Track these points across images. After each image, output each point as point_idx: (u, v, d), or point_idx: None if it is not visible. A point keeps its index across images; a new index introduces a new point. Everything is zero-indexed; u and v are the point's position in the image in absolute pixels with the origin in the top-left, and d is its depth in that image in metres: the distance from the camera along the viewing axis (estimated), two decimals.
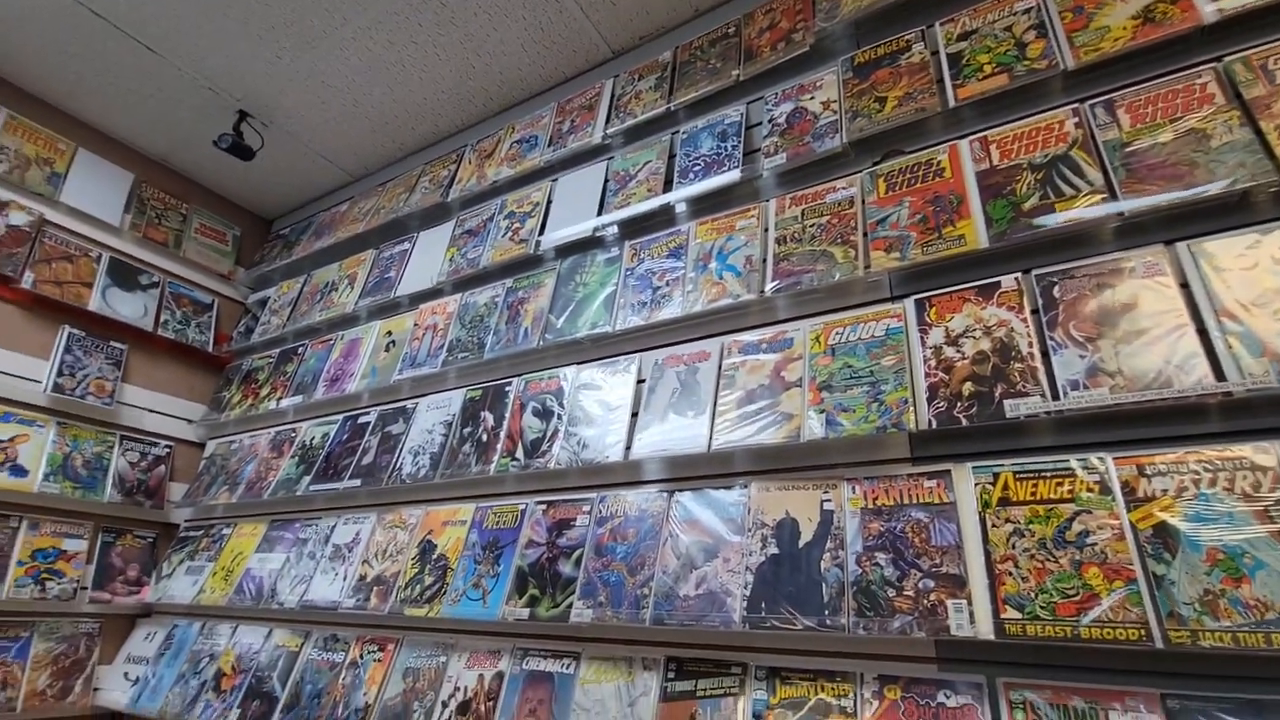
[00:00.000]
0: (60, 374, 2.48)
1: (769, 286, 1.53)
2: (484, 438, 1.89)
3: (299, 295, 2.85)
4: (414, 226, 2.58)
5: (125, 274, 2.75)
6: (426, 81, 2.42)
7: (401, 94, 2.48)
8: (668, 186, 1.87)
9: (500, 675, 1.58)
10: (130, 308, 2.73)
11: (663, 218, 1.87)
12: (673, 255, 1.77)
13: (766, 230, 1.62)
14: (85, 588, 2.44)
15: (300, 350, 2.69)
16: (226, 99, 2.58)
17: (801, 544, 1.29)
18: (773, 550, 1.31)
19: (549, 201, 2.16)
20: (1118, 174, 1.21)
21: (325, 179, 3.04)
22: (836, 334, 1.42)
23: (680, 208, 1.83)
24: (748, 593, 1.28)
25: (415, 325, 2.29)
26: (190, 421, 2.89)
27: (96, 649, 2.46)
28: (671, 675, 1.37)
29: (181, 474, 2.81)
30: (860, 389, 1.32)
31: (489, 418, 1.92)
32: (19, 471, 2.32)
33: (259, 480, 2.42)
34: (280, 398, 2.56)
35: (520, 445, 1.79)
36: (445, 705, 1.62)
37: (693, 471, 1.53)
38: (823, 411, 1.34)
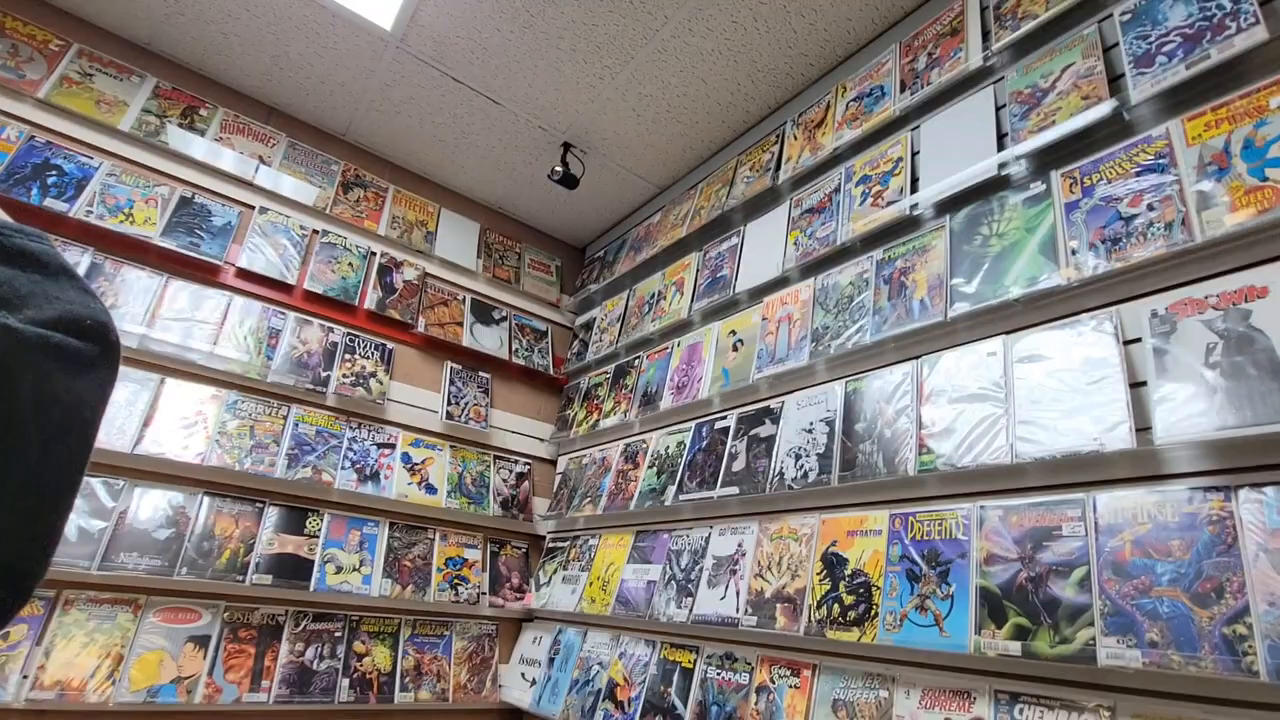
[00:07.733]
0: (449, 403, 2.84)
1: None
2: (887, 433, 1.60)
3: (625, 310, 2.91)
4: (739, 220, 2.45)
5: (483, 311, 3.09)
6: (741, 63, 2.28)
7: (715, 84, 2.38)
8: (1115, 86, 1.41)
9: None
10: (490, 340, 3.05)
11: (1110, 128, 1.42)
12: (1148, 171, 1.31)
13: None
14: (484, 593, 2.71)
15: (636, 363, 2.72)
16: (553, 134, 2.75)
17: None
18: None
19: (914, 153, 1.84)
20: None
21: (633, 195, 3.10)
22: None
23: (1145, 108, 1.36)
24: None
25: (764, 320, 2.13)
26: (542, 440, 3.12)
27: (496, 649, 2.71)
28: None
29: (540, 489, 3.03)
30: None
31: (887, 409, 1.63)
32: (431, 489, 2.67)
33: (619, 492, 2.46)
34: (626, 411, 2.60)
35: (943, 438, 1.47)
36: None
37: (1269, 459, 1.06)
38: None
